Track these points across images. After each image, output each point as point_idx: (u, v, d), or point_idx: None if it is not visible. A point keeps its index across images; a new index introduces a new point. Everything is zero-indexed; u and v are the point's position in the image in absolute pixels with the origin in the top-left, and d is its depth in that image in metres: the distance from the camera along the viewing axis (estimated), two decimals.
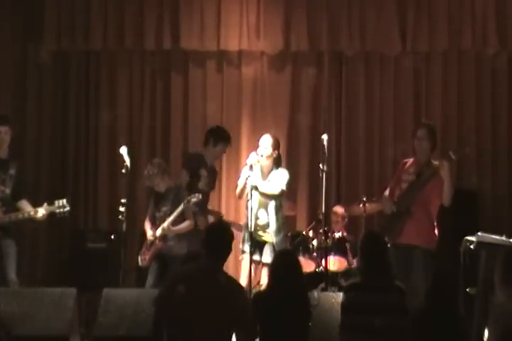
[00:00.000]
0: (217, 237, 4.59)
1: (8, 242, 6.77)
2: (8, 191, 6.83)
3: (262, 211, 7.06)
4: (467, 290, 6.24)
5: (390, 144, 8.40)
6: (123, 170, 7.00)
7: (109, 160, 8.40)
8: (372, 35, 8.27)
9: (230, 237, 4.66)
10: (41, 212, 6.69)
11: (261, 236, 7.06)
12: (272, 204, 7.06)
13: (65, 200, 6.78)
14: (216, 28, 8.31)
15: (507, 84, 8.42)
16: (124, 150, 7.03)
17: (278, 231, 7.06)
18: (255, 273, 7.01)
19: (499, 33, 8.21)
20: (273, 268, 5.26)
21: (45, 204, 6.76)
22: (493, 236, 6.32)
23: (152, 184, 7.23)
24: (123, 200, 6.92)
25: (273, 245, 7.00)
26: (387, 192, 6.79)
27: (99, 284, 6.70)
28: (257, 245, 7.00)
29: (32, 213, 6.72)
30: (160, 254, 6.90)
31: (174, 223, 6.90)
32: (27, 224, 7.24)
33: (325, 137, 6.96)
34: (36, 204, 6.80)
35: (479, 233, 6.37)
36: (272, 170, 7.12)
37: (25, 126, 8.37)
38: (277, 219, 7.07)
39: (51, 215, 6.76)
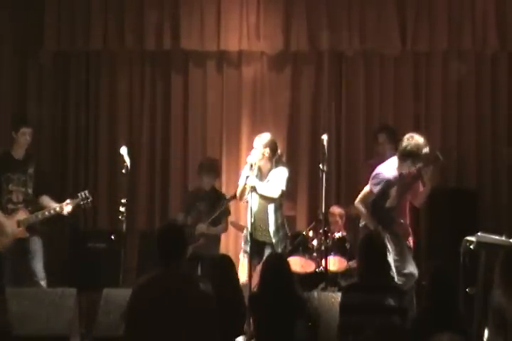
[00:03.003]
0: (168, 239, 4.41)
1: (35, 239, 7.04)
2: (30, 191, 7.10)
3: (261, 211, 7.04)
4: (467, 290, 6.24)
5: None
6: (123, 170, 7.01)
7: (109, 160, 8.41)
8: (372, 35, 8.27)
9: (181, 237, 4.46)
10: (67, 208, 6.98)
11: (261, 236, 7.05)
12: (271, 204, 7.06)
13: (87, 191, 7.13)
14: (216, 28, 8.31)
15: (507, 84, 8.42)
16: (124, 150, 7.05)
17: (277, 231, 7.05)
18: (254, 274, 7.01)
19: (499, 33, 8.22)
20: (262, 269, 5.32)
21: (68, 199, 7.04)
22: (493, 236, 6.33)
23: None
24: (123, 200, 6.94)
25: (273, 245, 7.00)
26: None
27: (99, 284, 6.70)
28: (258, 245, 6.99)
29: (58, 209, 7.00)
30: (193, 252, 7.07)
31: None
32: None
33: (325, 137, 6.95)
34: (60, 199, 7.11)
35: (479, 233, 6.37)
36: (270, 169, 7.10)
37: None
38: (276, 219, 7.06)
39: (77, 207, 7.10)
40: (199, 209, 7.43)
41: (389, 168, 6.57)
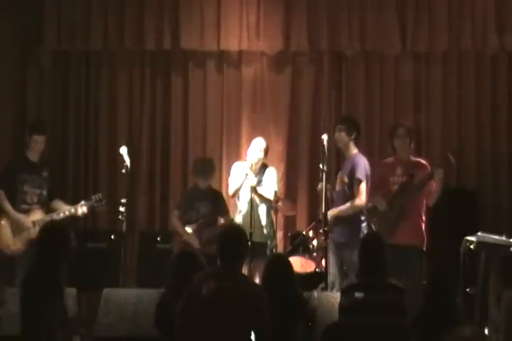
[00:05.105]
0: (233, 241, 4.51)
1: None
2: (44, 193, 7.15)
3: (249, 212, 7.06)
4: (467, 290, 6.25)
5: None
6: (123, 170, 7.01)
7: (109, 160, 8.41)
8: (372, 35, 8.28)
9: (245, 240, 4.63)
10: (81, 209, 7.09)
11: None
12: (263, 205, 7.13)
13: (100, 194, 7.26)
14: (216, 28, 8.31)
15: (507, 84, 8.42)
16: (124, 150, 7.05)
17: (268, 230, 7.13)
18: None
19: (499, 33, 8.22)
20: (264, 269, 5.33)
21: (83, 201, 7.17)
22: (493, 236, 6.33)
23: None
24: (123, 200, 6.95)
25: (263, 245, 7.04)
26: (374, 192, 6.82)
27: (99, 284, 6.70)
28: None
29: (73, 211, 7.09)
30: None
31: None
32: None
33: (325, 137, 6.96)
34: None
35: (479, 233, 6.38)
36: (258, 173, 7.14)
37: (26, 126, 8.34)
38: (268, 219, 7.15)
39: (91, 210, 7.23)
40: (199, 210, 7.38)
41: None
